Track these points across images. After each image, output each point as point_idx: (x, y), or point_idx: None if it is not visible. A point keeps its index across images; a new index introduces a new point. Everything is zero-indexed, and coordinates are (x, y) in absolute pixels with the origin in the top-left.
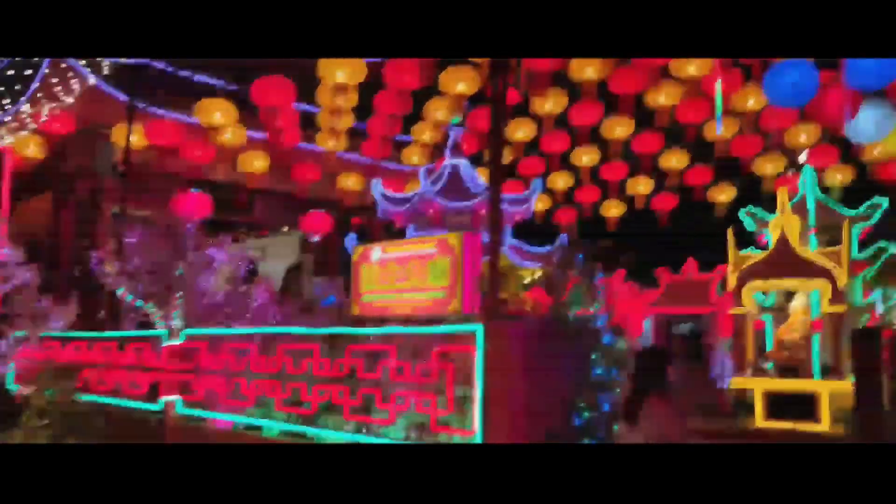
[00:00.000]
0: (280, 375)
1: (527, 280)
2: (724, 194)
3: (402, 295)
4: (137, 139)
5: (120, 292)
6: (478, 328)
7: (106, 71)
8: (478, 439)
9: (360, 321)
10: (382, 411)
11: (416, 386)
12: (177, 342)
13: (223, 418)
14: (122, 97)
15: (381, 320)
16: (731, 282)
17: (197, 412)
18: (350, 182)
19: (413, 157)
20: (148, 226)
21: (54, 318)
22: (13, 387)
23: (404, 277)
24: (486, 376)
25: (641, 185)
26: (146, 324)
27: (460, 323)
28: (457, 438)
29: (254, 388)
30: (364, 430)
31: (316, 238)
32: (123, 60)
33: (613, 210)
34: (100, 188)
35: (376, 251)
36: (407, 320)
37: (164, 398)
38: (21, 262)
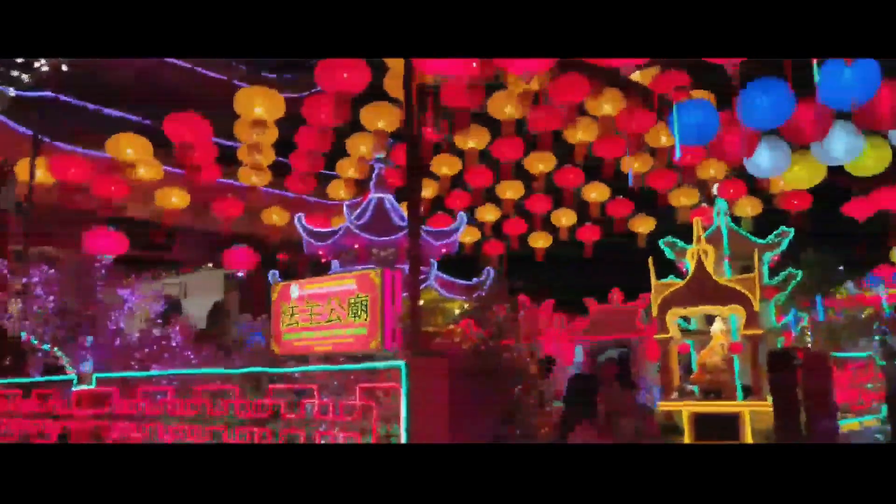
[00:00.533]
0: (199, 419)
1: (456, 312)
2: (643, 225)
3: (322, 332)
4: (43, 175)
5: (24, 336)
6: (401, 364)
7: (8, 104)
8: None
9: (282, 360)
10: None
11: (341, 425)
12: (87, 387)
13: None
14: (26, 131)
15: (303, 358)
16: (654, 309)
17: None
18: (274, 217)
19: (339, 191)
20: (52, 265)
21: None
22: None
23: (325, 315)
24: (411, 413)
25: (565, 218)
26: (55, 368)
27: (383, 359)
28: None
29: (171, 433)
30: None
31: (240, 275)
32: (28, 94)
33: (540, 241)
34: (1, 226)
35: (295, 288)
36: (328, 358)
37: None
38: None
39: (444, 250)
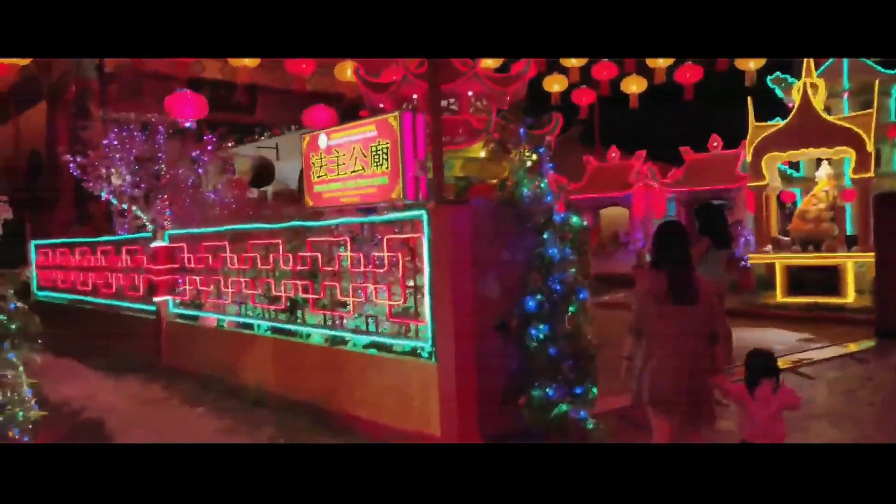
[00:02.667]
0: (253, 272)
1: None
2: (752, 61)
3: (348, 183)
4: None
5: (104, 195)
6: (421, 214)
7: None
8: (429, 329)
9: (316, 212)
10: (342, 303)
11: (371, 276)
12: (162, 244)
13: (209, 316)
14: None
15: (336, 210)
16: (748, 153)
17: (187, 311)
18: (348, 73)
19: None
20: (123, 127)
21: None
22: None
23: (349, 164)
24: (434, 264)
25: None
26: (140, 227)
27: (405, 210)
28: (413, 328)
29: (231, 286)
30: (330, 324)
31: None
32: None
33: (634, 86)
34: (87, 92)
35: (323, 138)
36: (356, 209)
37: (157, 299)
38: None
39: (508, 97)
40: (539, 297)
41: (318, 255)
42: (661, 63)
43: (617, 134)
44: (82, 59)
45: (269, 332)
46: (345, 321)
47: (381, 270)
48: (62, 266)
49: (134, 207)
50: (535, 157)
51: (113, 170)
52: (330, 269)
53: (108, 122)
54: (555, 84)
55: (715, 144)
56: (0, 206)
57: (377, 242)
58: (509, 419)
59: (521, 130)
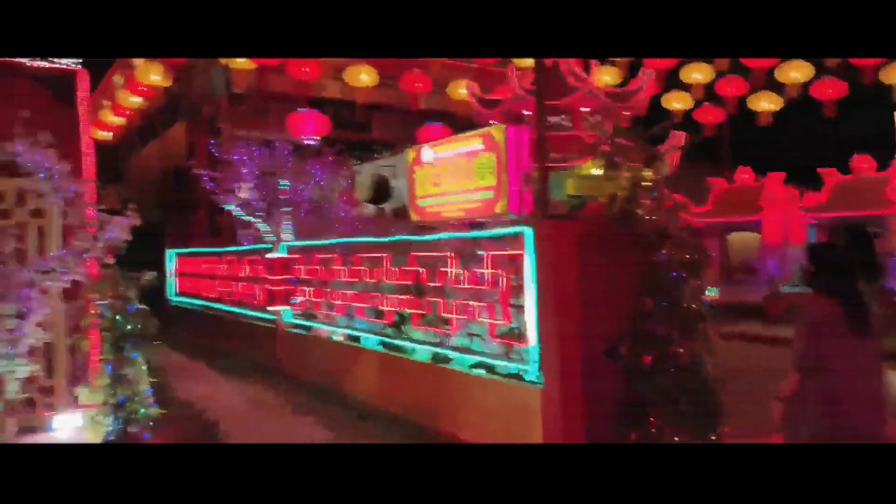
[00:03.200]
0: (360, 285)
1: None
2: None
3: (452, 197)
4: (244, 60)
5: (230, 208)
6: (525, 230)
7: None
8: (534, 351)
9: (420, 227)
10: (445, 321)
11: (473, 294)
12: (279, 255)
13: (320, 327)
14: None
15: (436, 225)
16: None
17: (300, 321)
18: (461, 90)
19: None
20: (249, 144)
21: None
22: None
23: (454, 177)
24: (539, 282)
25: (796, 71)
26: (259, 239)
27: (509, 225)
28: (515, 349)
29: (340, 298)
30: (435, 340)
31: None
32: None
33: (764, 102)
34: (219, 111)
35: (428, 151)
36: (460, 224)
37: (274, 308)
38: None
39: (626, 112)
40: (653, 319)
41: (423, 270)
42: (794, 77)
43: (746, 153)
44: (215, 80)
45: (376, 346)
46: (449, 339)
47: (484, 288)
48: (194, 273)
49: (256, 220)
50: (650, 172)
51: (240, 184)
52: (434, 284)
53: (237, 139)
54: (675, 102)
55: (865, 166)
56: (131, 214)
57: (481, 258)
58: None
59: (636, 145)
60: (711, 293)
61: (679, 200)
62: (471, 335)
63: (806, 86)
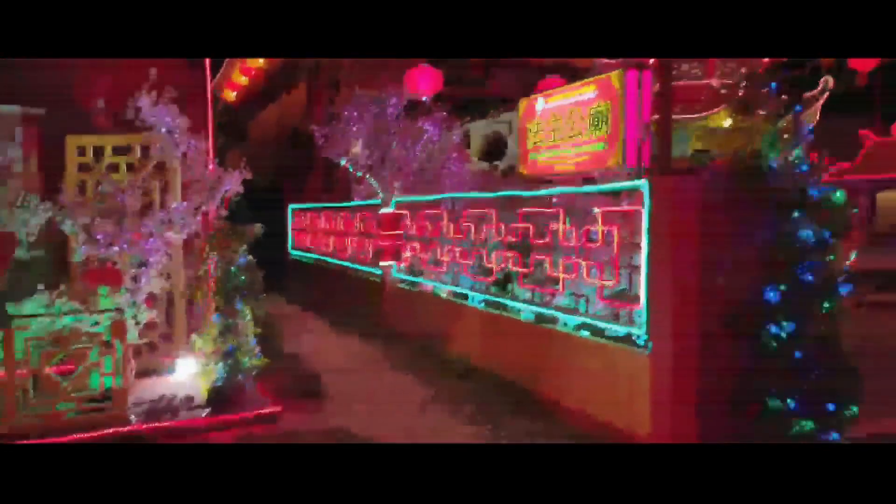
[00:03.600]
0: (466, 242)
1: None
2: None
3: (564, 150)
4: None
5: (342, 163)
6: (643, 185)
7: None
8: (644, 314)
9: (530, 181)
10: (552, 280)
11: (583, 252)
12: (388, 210)
13: (426, 283)
14: None
15: (547, 180)
16: None
17: (407, 277)
18: None
19: None
20: (361, 102)
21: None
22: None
23: (567, 129)
24: (654, 242)
25: None
26: (370, 195)
27: (624, 179)
28: (624, 313)
29: (446, 254)
30: (539, 301)
31: None
32: None
33: None
34: (336, 70)
35: (540, 102)
36: (571, 179)
37: (382, 263)
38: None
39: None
40: (783, 287)
41: (530, 227)
42: None
43: None
44: None
45: (480, 305)
46: (555, 299)
47: (595, 246)
48: (310, 228)
49: (367, 176)
50: (786, 122)
51: (351, 140)
52: (542, 242)
53: (353, 97)
54: None
55: None
56: (244, 170)
57: (593, 215)
58: (735, 429)
59: (773, 90)
60: (850, 258)
61: (821, 156)
62: (578, 296)
63: None
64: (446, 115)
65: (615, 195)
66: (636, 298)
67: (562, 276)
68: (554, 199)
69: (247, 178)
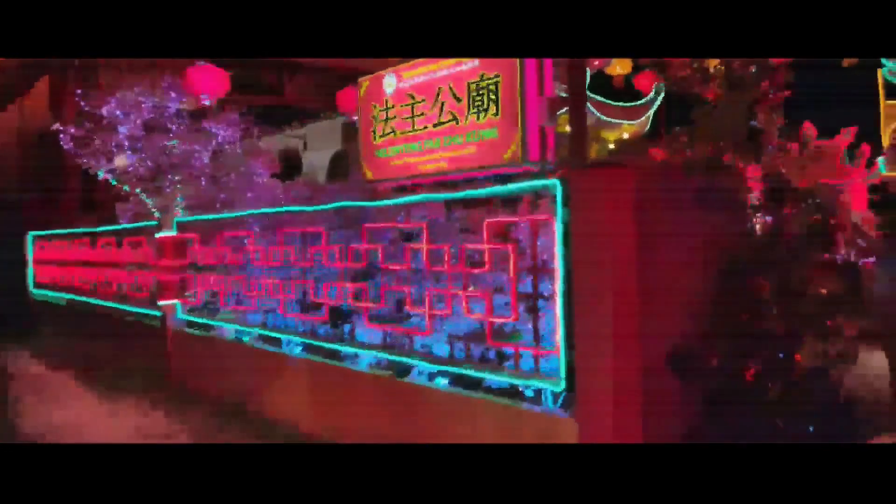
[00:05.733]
0: (284, 271)
1: (611, 140)
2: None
3: (430, 141)
4: None
5: (101, 175)
6: (554, 183)
7: None
8: (560, 363)
9: (377, 188)
10: (416, 317)
11: (462, 279)
12: (169, 234)
13: (224, 327)
14: None
15: (402, 186)
16: (885, 137)
17: (198, 319)
18: None
19: None
20: (123, 99)
21: None
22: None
23: (433, 115)
24: (574, 260)
25: None
26: (144, 215)
27: (527, 178)
28: (526, 359)
29: (256, 288)
30: (395, 347)
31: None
32: None
33: None
34: (93, 62)
35: (390, 79)
36: (440, 182)
37: (162, 303)
38: None
39: (597, 62)
40: (759, 312)
41: (379, 247)
42: None
43: None
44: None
45: (303, 353)
46: (415, 342)
47: (480, 270)
48: (60, 260)
49: (138, 190)
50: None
51: (114, 144)
52: (395, 266)
53: (115, 92)
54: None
55: None
56: None
57: (470, 229)
58: None
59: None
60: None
61: (809, 129)
62: (452, 339)
63: None
64: (239, 116)
65: (513, 198)
66: (543, 338)
67: (426, 311)
68: (417, 209)
69: None
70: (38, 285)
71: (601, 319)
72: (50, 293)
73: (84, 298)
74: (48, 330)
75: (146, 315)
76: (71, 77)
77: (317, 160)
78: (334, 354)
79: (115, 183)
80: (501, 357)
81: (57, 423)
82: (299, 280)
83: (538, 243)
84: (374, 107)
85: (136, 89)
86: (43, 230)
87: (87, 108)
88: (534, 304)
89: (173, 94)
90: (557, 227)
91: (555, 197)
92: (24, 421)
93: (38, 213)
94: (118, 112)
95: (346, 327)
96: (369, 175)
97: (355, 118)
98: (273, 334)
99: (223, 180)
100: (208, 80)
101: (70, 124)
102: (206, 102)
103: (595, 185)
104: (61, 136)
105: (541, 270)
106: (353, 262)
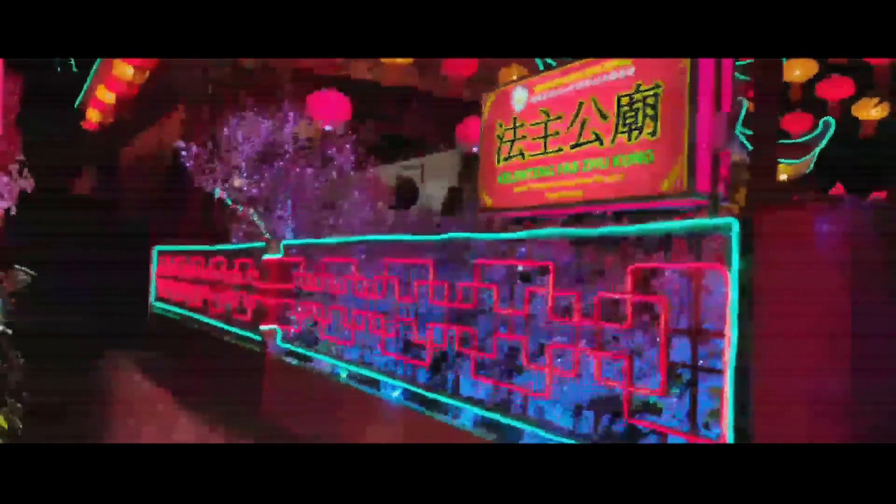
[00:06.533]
0: (385, 304)
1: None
2: None
3: (567, 165)
4: None
5: (217, 194)
6: (729, 223)
7: None
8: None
9: (504, 221)
10: (532, 376)
11: (593, 334)
12: (275, 256)
13: (322, 359)
14: None
15: (527, 218)
16: None
17: (298, 349)
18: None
19: None
20: (243, 120)
21: None
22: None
23: (571, 134)
24: (757, 319)
25: None
26: (255, 236)
27: (691, 214)
28: (675, 442)
29: (355, 321)
30: (503, 407)
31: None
32: None
33: None
34: (221, 90)
35: (520, 92)
36: (580, 217)
37: (263, 328)
38: None
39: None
40: None
41: (494, 287)
42: None
43: None
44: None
45: (401, 398)
46: (528, 403)
47: (619, 326)
48: (177, 276)
49: (251, 211)
50: None
51: (233, 165)
52: (508, 310)
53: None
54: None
55: None
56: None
57: (604, 272)
58: None
59: None
60: None
61: None
62: (577, 406)
63: None
64: (357, 140)
65: (667, 238)
66: (703, 416)
67: (550, 371)
68: (536, 246)
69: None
70: (158, 298)
71: (795, 413)
72: (168, 307)
73: (195, 315)
74: (160, 344)
75: (248, 338)
76: (207, 101)
77: (433, 191)
78: (435, 404)
79: (229, 202)
80: (633, 434)
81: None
82: (402, 318)
83: (701, 298)
84: (500, 125)
85: (255, 110)
86: (167, 245)
87: (213, 132)
88: (693, 375)
89: (291, 114)
90: (732, 280)
91: (728, 239)
92: (108, 433)
93: (164, 231)
94: (239, 132)
95: (451, 375)
96: (488, 203)
97: (475, 149)
98: (370, 373)
99: (335, 206)
100: (330, 106)
101: (193, 143)
102: (327, 128)
103: (797, 228)
104: (183, 153)
105: (704, 335)
106: (462, 303)
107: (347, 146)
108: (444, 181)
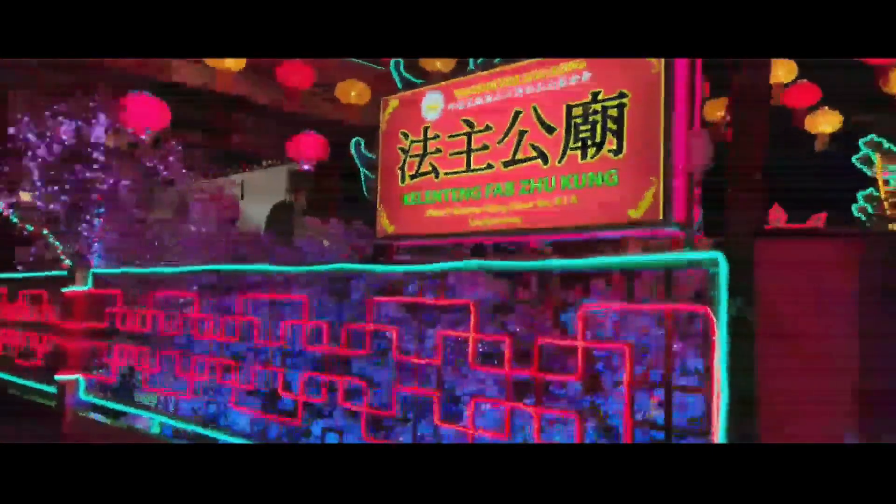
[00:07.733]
0: (238, 350)
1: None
2: None
3: (502, 186)
4: None
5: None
6: (717, 256)
7: None
8: None
9: (403, 249)
10: (448, 438)
11: (533, 389)
12: (81, 288)
13: (144, 415)
14: None
15: (438, 247)
16: None
17: (108, 403)
18: (353, 94)
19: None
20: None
21: None
22: None
23: (503, 149)
24: (762, 376)
25: None
26: (51, 261)
27: (666, 246)
28: None
29: (195, 370)
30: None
31: (307, 169)
32: None
33: None
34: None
35: (434, 97)
36: (519, 247)
37: (61, 377)
38: None
39: None
40: None
41: (392, 330)
42: None
43: None
44: None
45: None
46: None
47: (568, 378)
48: None
49: (46, 231)
50: None
51: (22, 176)
52: (412, 357)
53: (33, 115)
54: None
55: None
56: None
57: (540, 319)
58: None
59: None
60: None
61: None
62: None
63: None
64: (180, 150)
65: (635, 273)
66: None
67: (469, 430)
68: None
69: None
70: None
71: None
72: None
73: None
74: None
75: (40, 391)
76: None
77: (254, 213)
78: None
79: (15, 220)
80: None
81: None
82: (260, 365)
83: (676, 345)
84: (406, 136)
85: (55, 107)
86: None
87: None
88: (666, 436)
89: (102, 121)
90: (720, 323)
91: (718, 275)
92: None
93: None
94: (30, 135)
95: (332, 437)
96: (389, 229)
97: (305, 167)
98: (216, 434)
99: (156, 226)
100: (147, 112)
101: None
102: (143, 137)
103: (785, 257)
104: None
105: (686, 389)
106: (346, 349)
107: (171, 158)
108: (267, 199)
